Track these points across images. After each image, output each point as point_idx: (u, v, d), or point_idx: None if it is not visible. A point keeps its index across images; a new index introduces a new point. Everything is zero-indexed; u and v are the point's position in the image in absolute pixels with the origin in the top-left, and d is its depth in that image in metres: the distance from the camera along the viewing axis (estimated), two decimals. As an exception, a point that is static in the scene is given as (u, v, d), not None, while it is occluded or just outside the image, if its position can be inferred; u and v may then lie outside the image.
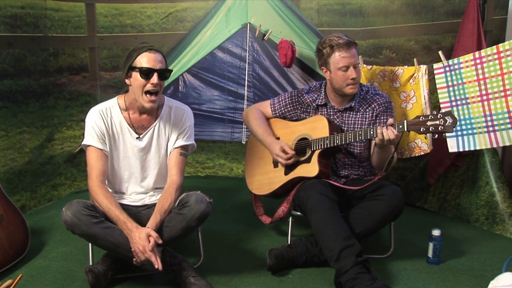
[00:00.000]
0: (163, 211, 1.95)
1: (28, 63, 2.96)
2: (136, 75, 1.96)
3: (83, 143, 2.06)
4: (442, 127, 1.91)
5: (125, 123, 2.08)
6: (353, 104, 2.31)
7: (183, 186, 2.15)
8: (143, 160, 2.11)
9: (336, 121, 2.34)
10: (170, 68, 3.46)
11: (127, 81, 2.02)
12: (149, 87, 1.96)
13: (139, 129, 2.09)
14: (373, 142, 2.30)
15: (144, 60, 1.95)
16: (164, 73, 1.99)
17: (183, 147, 2.13)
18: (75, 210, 1.87)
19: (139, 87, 1.97)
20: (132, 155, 2.10)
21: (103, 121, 2.04)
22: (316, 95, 2.39)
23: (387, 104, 2.33)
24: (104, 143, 2.04)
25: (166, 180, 2.11)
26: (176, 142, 2.12)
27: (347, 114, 2.34)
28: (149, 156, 2.12)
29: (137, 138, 2.08)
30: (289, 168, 2.32)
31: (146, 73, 1.95)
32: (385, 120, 2.29)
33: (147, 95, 1.98)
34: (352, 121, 2.33)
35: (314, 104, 2.38)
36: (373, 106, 2.32)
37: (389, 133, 2.00)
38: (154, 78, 1.95)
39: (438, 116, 1.92)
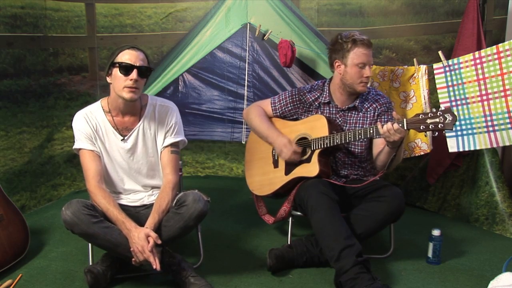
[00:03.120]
0: (161, 210, 1.95)
1: (28, 63, 2.96)
2: (116, 71, 1.96)
3: (74, 147, 2.07)
4: (442, 125, 1.90)
5: (109, 126, 2.07)
6: (356, 103, 2.31)
7: (182, 185, 2.14)
8: (130, 161, 2.10)
9: (338, 120, 2.34)
10: (170, 67, 3.52)
11: (108, 79, 2.01)
12: (128, 83, 1.94)
13: (123, 130, 2.08)
14: (374, 142, 2.30)
15: (126, 57, 1.95)
16: (144, 71, 1.98)
17: (173, 145, 2.12)
18: (75, 209, 1.87)
19: (119, 83, 1.96)
20: (119, 157, 2.09)
21: (88, 124, 2.04)
22: (318, 94, 2.39)
23: (388, 104, 2.33)
24: (94, 144, 2.05)
25: (161, 178, 2.12)
26: (165, 140, 2.11)
27: (349, 114, 2.34)
28: (136, 157, 2.11)
29: (121, 140, 2.08)
30: (289, 168, 2.32)
31: (126, 69, 1.94)
32: (386, 120, 2.29)
33: (126, 88, 1.96)
34: (354, 121, 2.33)
35: (316, 103, 2.38)
36: (374, 106, 2.32)
37: (387, 126, 1.99)
38: (134, 74, 1.94)
39: (438, 114, 1.91)
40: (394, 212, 2.13)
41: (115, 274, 2.07)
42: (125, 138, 2.08)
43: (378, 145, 2.26)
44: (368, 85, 2.47)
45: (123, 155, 2.09)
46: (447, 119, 1.89)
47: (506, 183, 2.70)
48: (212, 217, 2.04)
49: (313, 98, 2.39)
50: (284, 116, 2.46)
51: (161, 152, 2.12)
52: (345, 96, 2.33)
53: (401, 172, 3.23)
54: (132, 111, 2.07)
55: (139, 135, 2.09)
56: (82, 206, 1.88)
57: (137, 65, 1.95)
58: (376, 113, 2.31)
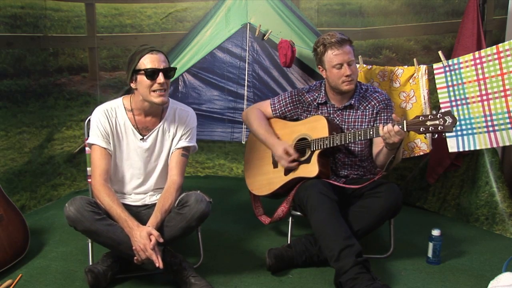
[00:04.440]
0: (164, 210, 1.96)
1: (28, 63, 2.96)
2: (141, 77, 1.97)
3: (87, 141, 2.08)
4: (442, 127, 1.91)
5: (130, 124, 2.08)
6: (352, 102, 2.32)
7: (183, 187, 2.15)
8: (146, 161, 2.12)
9: (336, 120, 2.34)
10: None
11: (132, 85, 2.03)
12: (156, 86, 1.97)
13: (143, 130, 2.10)
14: (374, 140, 2.30)
15: (148, 61, 1.96)
16: (168, 72, 2.00)
17: (185, 148, 2.14)
18: (79, 206, 1.87)
19: (146, 88, 1.98)
20: (135, 156, 2.10)
21: (108, 120, 2.06)
22: (316, 94, 2.40)
23: (387, 101, 2.33)
24: (108, 142, 2.05)
25: (166, 180, 2.12)
26: (179, 143, 2.13)
27: (347, 112, 2.34)
28: (152, 157, 2.13)
29: (141, 139, 2.09)
30: (288, 169, 2.32)
31: (151, 74, 1.95)
32: (385, 117, 2.29)
33: (156, 91, 1.98)
34: (352, 119, 2.33)
35: (315, 103, 2.39)
36: (372, 103, 2.32)
37: (388, 127, 1.99)
38: (160, 78, 1.96)
39: (438, 116, 1.92)
40: (391, 207, 2.14)
41: (115, 274, 2.07)
42: (145, 137, 2.09)
43: (378, 144, 2.26)
44: (368, 84, 2.47)
45: (140, 154, 2.10)
46: (447, 121, 1.90)
47: (506, 183, 2.70)
48: (212, 217, 2.04)
49: (311, 98, 2.40)
50: (284, 117, 2.47)
51: (172, 152, 2.13)
52: (338, 96, 2.34)
53: (401, 172, 3.23)
54: (154, 112, 2.09)
55: (158, 136, 2.11)
56: (86, 203, 1.89)
57: (161, 67, 1.96)
58: (375, 111, 2.31)
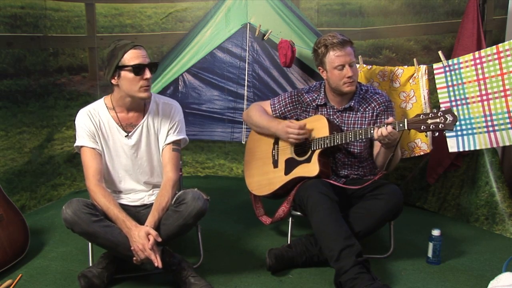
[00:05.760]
0: (161, 208, 1.96)
1: (27, 63, 2.96)
2: (126, 73, 1.96)
3: (75, 145, 2.07)
4: (443, 125, 1.91)
5: (113, 122, 2.08)
6: (352, 103, 2.31)
7: (181, 184, 2.14)
8: (134, 157, 2.11)
9: (335, 121, 2.34)
10: (170, 67, 3.52)
11: (113, 81, 2.00)
12: (143, 83, 1.97)
13: (127, 127, 2.09)
14: (375, 141, 2.30)
15: (133, 57, 1.95)
16: (153, 67, 2.00)
17: (175, 143, 2.13)
18: (75, 208, 1.87)
19: (132, 84, 1.97)
20: (122, 153, 2.10)
21: (92, 121, 2.05)
22: (316, 95, 2.40)
23: (387, 103, 2.33)
24: (96, 142, 2.05)
25: (161, 176, 2.12)
26: (167, 138, 2.12)
27: (347, 114, 2.34)
28: (140, 153, 2.11)
29: (125, 136, 2.08)
30: (289, 168, 2.32)
31: (139, 70, 1.95)
32: (385, 120, 2.29)
33: (142, 87, 1.99)
34: (352, 121, 2.33)
35: (314, 104, 2.39)
36: (373, 105, 2.32)
37: (382, 131, 2.01)
38: (147, 73, 1.96)
39: (439, 114, 1.92)
40: (392, 209, 2.14)
41: (113, 274, 2.06)
42: (129, 134, 2.08)
43: (377, 144, 2.27)
44: (368, 84, 2.47)
45: (127, 151, 2.10)
46: (448, 120, 1.90)
47: (506, 183, 2.70)
48: (212, 217, 2.04)
49: (310, 98, 2.40)
50: (284, 117, 2.47)
51: (162, 149, 2.13)
52: (338, 98, 2.33)
53: (401, 172, 3.23)
54: (137, 107, 2.09)
55: (143, 131, 2.10)
56: (83, 205, 1.88)
57: (147, 63, 1.97)
58: (375, 113, 2.31)
